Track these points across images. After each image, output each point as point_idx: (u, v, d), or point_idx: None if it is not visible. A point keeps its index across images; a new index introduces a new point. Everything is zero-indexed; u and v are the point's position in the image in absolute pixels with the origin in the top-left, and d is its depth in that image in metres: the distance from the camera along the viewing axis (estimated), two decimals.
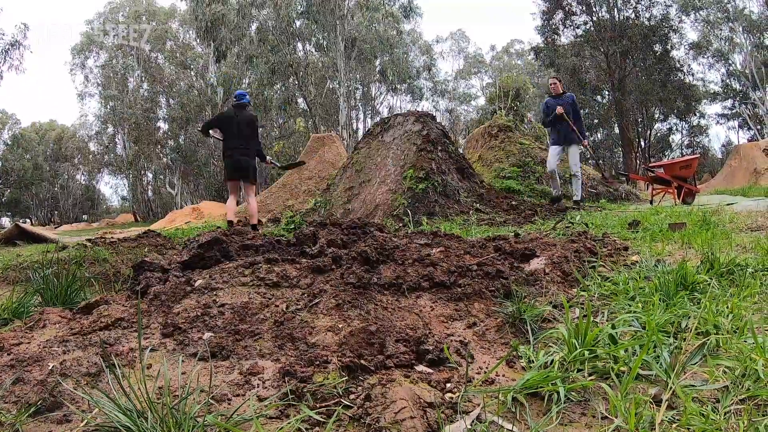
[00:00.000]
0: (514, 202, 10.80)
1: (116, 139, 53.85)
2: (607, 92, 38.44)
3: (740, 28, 37.55)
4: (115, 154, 55.77)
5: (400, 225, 8.88)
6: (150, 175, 58.29)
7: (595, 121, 43.47)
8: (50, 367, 2.00)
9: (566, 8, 37.81)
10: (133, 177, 53.60)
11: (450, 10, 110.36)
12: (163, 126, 54.55)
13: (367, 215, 9.69)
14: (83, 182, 71.15)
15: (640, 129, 39.72)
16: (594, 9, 37.34)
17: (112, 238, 9.38)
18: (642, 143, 40.09)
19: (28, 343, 2.40)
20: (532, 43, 43.94)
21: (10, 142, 63.33)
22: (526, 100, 55.32)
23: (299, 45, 42.02)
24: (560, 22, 38.54)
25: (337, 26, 36.49)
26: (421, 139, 11.00)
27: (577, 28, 37.94)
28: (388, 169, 10.90)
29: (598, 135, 47.24)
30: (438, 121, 12.28)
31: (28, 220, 63.43)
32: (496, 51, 66.39)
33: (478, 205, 10.29)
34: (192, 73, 51.46)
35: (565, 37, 39.05)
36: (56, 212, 69.76)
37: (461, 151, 13.85)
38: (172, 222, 25.79)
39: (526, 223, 8.08)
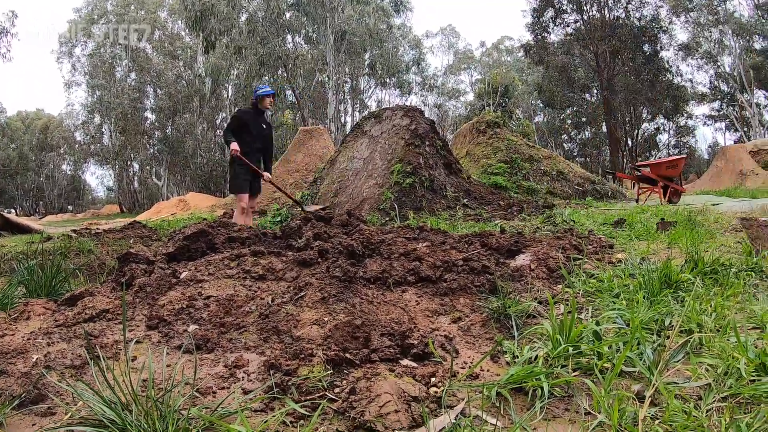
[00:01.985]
0: (500, 200, 10.85)
1: (103, 129, 53.28)
2: (595, 90, 38.52)
3: (730, 31, 37.82)
4: (102, 144, 55.22)
5: (387, 219, 8.91)
6: (136, 166, 57.83)
7: (583, 119, 43.67)
8: (34, 359, 1.99)
9: (557, 6, 37.86)
10: (119, 167, 53.18)
11: (441, 5, 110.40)
12: (151, 116, 54.16)
13: (354, 209, 9.70)
14: (69, 172, 70.48)
15: (627, 128, 39.84)
16: (584, 8, 37.42)
17: (97, 229, 9.33)
18: (629, 142, 40.23)
19: (12, 334, 2.39)
20: (522, 40, 44.01)
21: None
22: (514, 97, 55.62)
23: (289, 37, 41.79)
24: (550, 20, 38.53)
25: (327, 19, 36.34)
26: (409, 133, 11.00)
27: (567, 26, 38.01)
28: (375, 163, 10.91)
29: (586, 133, 47.41)
30: (426, 116, 12.30)
31: (12, 210, 62.79)
32: (486, 47, 66.39)
33: (465, 200, 10.32)
34: (180, 63, 51.09)
35: (555, 35, 39.14)
36: (42, 202, 69.12)
37: (449, 147, 13.87)
38: (158, 213, 25.66)
39: (513, 219, 8.12)
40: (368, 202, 10.02)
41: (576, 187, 13.78)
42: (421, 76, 55.02)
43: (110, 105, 48.13)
